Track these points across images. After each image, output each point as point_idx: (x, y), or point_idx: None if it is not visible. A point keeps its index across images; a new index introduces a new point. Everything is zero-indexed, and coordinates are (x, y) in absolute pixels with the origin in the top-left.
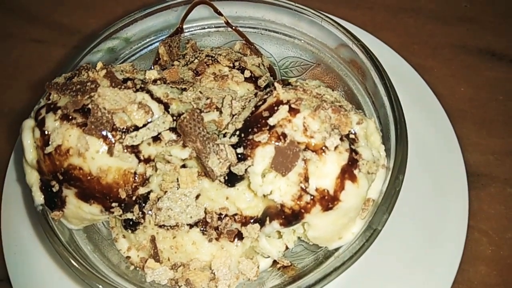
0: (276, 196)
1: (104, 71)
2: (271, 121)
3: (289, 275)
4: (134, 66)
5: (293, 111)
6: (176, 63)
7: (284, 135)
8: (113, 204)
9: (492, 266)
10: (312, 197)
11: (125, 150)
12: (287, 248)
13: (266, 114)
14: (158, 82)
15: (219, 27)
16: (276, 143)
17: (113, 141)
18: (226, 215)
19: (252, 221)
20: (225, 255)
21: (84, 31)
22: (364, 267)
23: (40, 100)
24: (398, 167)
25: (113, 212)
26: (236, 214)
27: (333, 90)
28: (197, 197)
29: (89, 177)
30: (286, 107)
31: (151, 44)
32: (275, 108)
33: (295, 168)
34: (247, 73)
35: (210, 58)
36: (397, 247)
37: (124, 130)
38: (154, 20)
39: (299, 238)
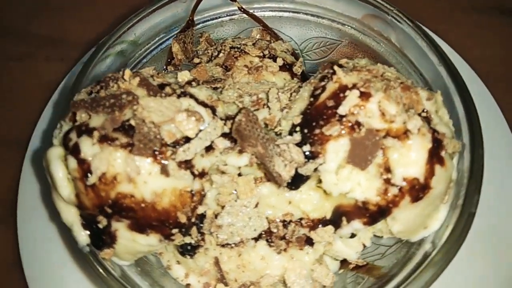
0: (357, 194)
1: (138, 79)
2: (341, 110)
3: (373, 275)
4: (156, 69)
5: (365, 96)
6: (196, 60)
7: (359, 124)
8: (173, 231)
9: None
10: (400, 189)
11: (180, 167)
12: (364, 247)
13: (331, 103)
14: (193, 83)
15: (232, 14)
16: (351, 135)
17: (166, 159)
18: (290, 221)
19: (320, 224)
20: (298, 265)
21: (67, 40)
22: None
23: (60, 123)
24: (476, 140)
25: (173, 240)
26: (302, 219)
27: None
28: (256, 206)
29: (143, 205)
30: (356, 92)
31: (162, 43)
32: (341, 95)
33: (376, 159)
34: (279, 61)
35: (236, 49)
36: None
37: (174, 144)
38: (162, 15)
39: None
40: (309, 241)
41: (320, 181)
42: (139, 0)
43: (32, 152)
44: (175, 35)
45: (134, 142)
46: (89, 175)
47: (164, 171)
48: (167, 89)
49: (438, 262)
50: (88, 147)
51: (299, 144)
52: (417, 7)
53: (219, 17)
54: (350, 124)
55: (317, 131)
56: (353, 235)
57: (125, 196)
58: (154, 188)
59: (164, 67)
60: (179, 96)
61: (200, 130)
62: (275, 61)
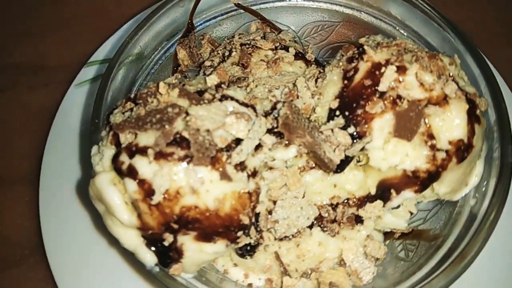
0: (406, 164)
1: (177, 90)
2: (382, 87)
3: (423, 239)
4: (178, 78)
5: (401, 70)
6: (207, 63)
7: (400, 97)
8: (239, 234)
9: None
10: (447, 152)
11: (237, 170)
12: (411, 214)
13: (368, 82)
14: (223, 86)
15: (229, 12)
16: (394, 109)
17: (223, 164)
18: (338, 204)
19: (366, 200)
20: (353, 244)
21: (48, 65)
22: None
23: (97, 149)
24: (496, 95)
25: (239, 243)
26: (348, 199)
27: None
28: (303, 195)
29: (207, 214)
30: (393, 67)
31: (165, 51)
32: (377, 72)
33: (420, 129)
34: (292, 51)
35: (248, 46)
36: None
37: (227, 148)
38: (163, 22)
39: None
40: (359, 219)
41: (358, 161)
42: (110, 22)
43: (44, 186)
44: (178, 41)
45: (192, 153)
46: (153, 194)
47: (224, 176)
48: (207, 95)
49: (493, 216)
50: (146, 167)
51: (343, 127)
52: None
53: (217, 17)
54: (392, 99)
55: (359, 111)
56: (398, 206)
57: (190, 208)
58: (216, 195)
59: (172, 75)
60: (220, 100)
61: (249, 130)
62: (287, 51)
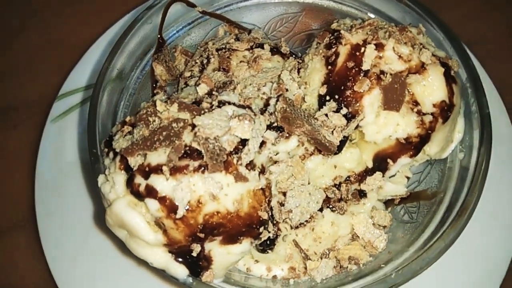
0: (399, 133)
1: (176, 105)
2: (365, 65)
3: (423, 199)
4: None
5: (379, 46)
6: (186, 74)
7: (383, 72)
8: (260, 230)
9: None
10: (433, 115)
11: (248, 170)
12: (408, 178)
13: (351, 64)
14: (214, 93)
15: (195, 20)
16: (380, 84)
17: (235, 166)
18: (340, 183)
19: (365, 174)
20: (362, 217)
21: (13, 106)
22: None
23: (104, 178)
24: (463, 55)
25: (261, 238)
26: (349, 177)
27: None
28: (308, 181)
29: (229, 216)
30: (372, 46)
31: (143, 69)
32: (357, 53)
33: (405, 98)
34: (267, 47)
35: (225, 50)
36: None
37: (236, 151)
38: (134, 41)
39: None
40: (362, 193)
41: (350, 140)
42: (70, 52)
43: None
44: (153, 58)
45: (206, 161)
46: (176, 209)
47: (239, 178)
48: (204, 104)
49: (484, 166)
50: (164, 184)
51: (336, 110)
52: None
53: (184, 27)
54: (376, 76)
55: (348, 92)
56: (395, 174)
57: (213, 215)
58: (234, 197)
59: (151, 92)
60: (219, 106)
61: (252, 130)
62: (263, 48)
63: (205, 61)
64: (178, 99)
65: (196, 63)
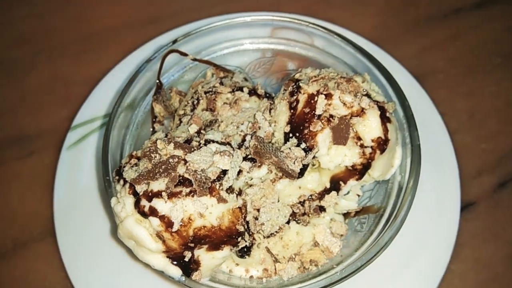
0: (346, 162)
1: (172, 145)
2: (318, 111)
3: (371, 212)
4: (164, 131)
5: (328, 96)
6: (180, 111)
7: (332, 116)
8: (238, 239)
9: None
10: (371, 148)
11: (228, 193)
12: (358, 196)
13: (307, 109)
14: (202, 131)
15: (187, 65)
16: (330, 125)
17: (218, 191)
18: (304, 200)
19: (325, 193)
20: (321, 228)
21: (28, 135)
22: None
23: (116, 201)
24: (400, 96)
25: (239, 246)
26: (311, 195)
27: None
28: (278, 200)
29: (213, 229)
30: (322, 96)
31: (145, 107)
32: (312, 101)
33: (350, 135)
34: (246, 90)
35: (211, 93)
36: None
37: (218, 179)
38: (138, 86)
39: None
40: (322, 208)
41: (313, 164)
42: (78, 87)
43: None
44: (153, 98)
45: (195, 188)
46: (172, 224)
47: (220, 200)
48: (194, 143)
49: (412, 185)
50: (163, 206)
51: (297, 145)
52: (307, 3)
53: (179, 71)
54: (326, 119)
55: (306, 131)
56: (347, 192)
57: (200, 229)
58: (217, 215)
59: (151, 126)
60: (205, 144)
61: (231, 162)
62: (242, 91)
63: (195, 102)
64: (174, 139)
65: (188, 103)
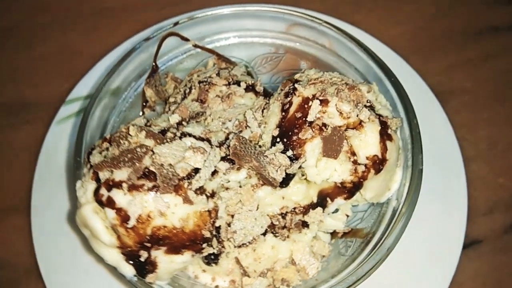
0: (335, 178)
1: (144, 133)
2: (310, 117)
3: (359, 236)
4: (146, 117)
5: (324, 102)
6: (171, 99)
7: (325, 125)
8: (203, 245)
9: None
10: (365, 166)
11: (196, 194)
12: (347, 216)
13: (299, 114)
14: (184, 123)
15: (188, 51)
16: (321, 134)
17: (185, 190)
18: (287, 212)
19: (310, 208)
20: (301, 245)
21: (28, 103)
22: None
23: (80, 184)
24: (408, 112)
25: (203, 253)
26: (295, 208)
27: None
28: (257, 208)
29: (174, 231)
30: (317, 101)
31: (136, 90)
32: (305, 106)
33: (343, 148)
34: (243, 85)
35: (205, 83)
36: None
37: (188, 177)
38: (132, 65)
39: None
40: (305, 224)
41: (302, 175)
42: (83, 61)
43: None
44: (145, 81)
45: (159, 184)
46: (128, 219)
47: (186, 200)
48: (169, 134)
49: (405, 213)
50: (121, 198)
51: (283, 151)
52: (333, 3)
53: (178, 57)
54: (318, 127)
55: (294, 138)
56: (336, 210)
57: (160, 228)
58: (181, 216)
59: (141, 110)
60: (180, 138)
61: (205, 160)
62: (239, 85)
63: (187, 91)
64: (147, 127)
65: (180, 91)
